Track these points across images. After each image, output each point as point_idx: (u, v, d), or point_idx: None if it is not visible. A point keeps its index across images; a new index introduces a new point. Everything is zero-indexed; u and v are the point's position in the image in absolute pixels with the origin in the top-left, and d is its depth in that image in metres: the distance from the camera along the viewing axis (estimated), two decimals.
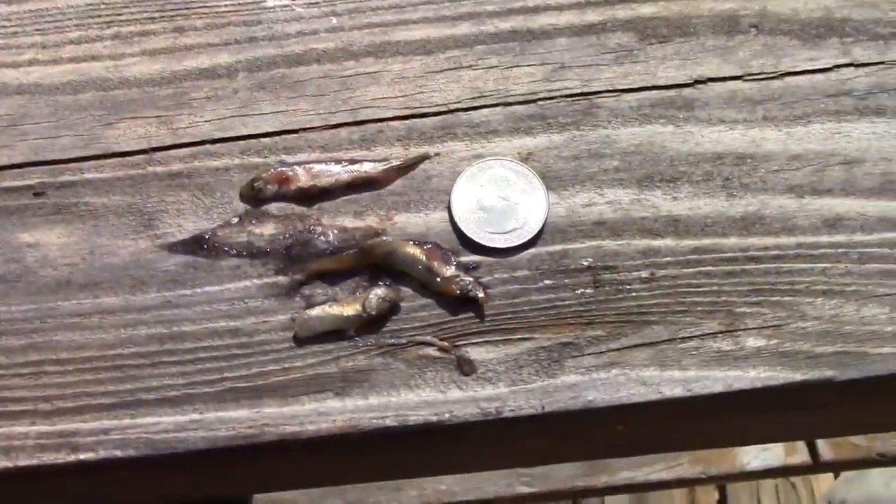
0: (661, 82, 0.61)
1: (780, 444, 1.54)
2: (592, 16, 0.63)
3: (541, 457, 0.77)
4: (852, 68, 0.62)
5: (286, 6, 0.63)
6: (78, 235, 0.57)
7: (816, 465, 1.52)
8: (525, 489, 1.51)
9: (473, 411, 0.54)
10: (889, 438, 1.49)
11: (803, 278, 0.57)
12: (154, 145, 0.59)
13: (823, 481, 2.23)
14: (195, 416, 0.54)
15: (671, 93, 0.61)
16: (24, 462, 0.54)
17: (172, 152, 0.59)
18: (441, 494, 1.51)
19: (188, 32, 0.62)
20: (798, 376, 0.55)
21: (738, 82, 0.61)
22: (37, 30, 0.62)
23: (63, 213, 0.58)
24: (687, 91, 0.61)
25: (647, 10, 0.63)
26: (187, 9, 0.63)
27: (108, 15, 0.63)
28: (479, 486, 1.50)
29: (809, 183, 0.59)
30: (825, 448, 1.50)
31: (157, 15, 0.63)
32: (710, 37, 0.62)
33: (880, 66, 0.62)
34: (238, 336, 0.56)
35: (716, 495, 2.30)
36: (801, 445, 1.53)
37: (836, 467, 1.68)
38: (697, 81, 0.61)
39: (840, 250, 0.58)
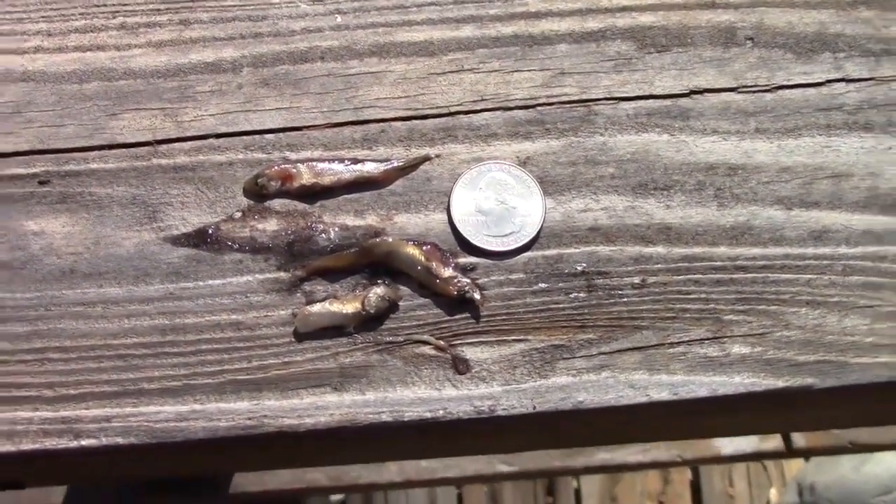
0: (658, 91, 0.62)
1: None
2: (593, 23, 0.64)
3: (526, 447, 0.79)
4: (844, 83, 0.63)
5: (292, 3, 0.64)
6: (83, 225, 0.58)
7: (789, 452, 1.56)
8: (505, 468, 1.53)
9: (467, 409, 0.56)
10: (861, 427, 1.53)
11: (789, 288, 0.59)
12: (159, 137, 0.60)
13: (794, 463, 2.28)
14: (196, 406, 0.56)
15: (667, 102, 0.62)
16: (26, 446, 0.55)
17: (177, 145, 0.60)
18: (422, 471, 1.54)
19: (194, 25, 0.63)
20: (780, 383, 0.57)
21: (733, 94, 0.63)
22: (42, 17, 0.63)
23: (68, 202, 0.59)
24: (683, 101, 0.62)
25: (646, 19, 0.64)
26: (193, 2, 0.63)
27: (114, 5, 0.63)
28: (460, 464, 1.53)
29: (798, 195, 0.61)
30: (798, 435, 1.54)
31: (162, 7, 0.63)
32: (708, 48, 0.64)
33: (871, 81, 0.64)
34: (239, 329, 0.57)
35: (689, 474, 2.35)
36: None
37: (808, 454, 1.72)
38: (693, 92, 0.63)
39: (825, 262, 0.59)
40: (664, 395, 0.57)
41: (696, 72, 0.63)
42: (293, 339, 0.57)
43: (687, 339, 0.58)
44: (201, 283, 0.58)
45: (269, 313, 0.57)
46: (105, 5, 0.63)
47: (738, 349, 0.58)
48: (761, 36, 0.64)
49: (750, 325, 0.58)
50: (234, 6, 0.63)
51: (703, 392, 0.57)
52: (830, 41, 0.64)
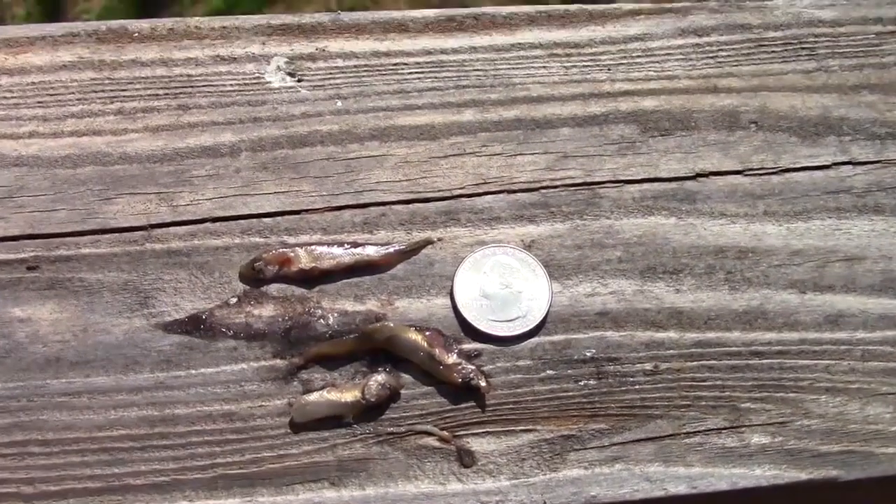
0: (664, 174, 0.62)
1: None
2: (595, 107, 0.63)
3: None
4: (850, 166, 0.63)
5: (291, 88, 0.63)
6: (71, 311, 0.56)
7: None
8: None
9: None
10: None
11: (807, 375, 0.57)
12: (153, 222, 0.58)
13: None
14: (185, 503, 0.52)
15: (673, 185, 0.61)
16: None
17: (172, 230, 0.58)
18: None
19: (192, 110, 0.62)
20: (803, 475, 0.54)
21: (739, 177, 0.62)
22: (38, 102, 0.62)
23: (57, 288, 0.57)
24: (689, 184, 0.61)
25: (648, 103, 0.64)
26: (192, 87, 0.63)
27: (111, 90, 0.62)
28: None
29: (811, 279, 0.59)
30: None
31: (161, 92, 0.62)
32: (712, 131, 0.63)
33: (877, 164, 0.63)
34: (232, 420, 0.54)
35: None
36: None
37: None
38: (699, 175, 0.62)
39: (843, 347, 0.57)
40: (682, 489, 0.54)
41: (701, 155, 0.62)
42: (289, 431, 0.54)
43: (703, 428, 0.55)
44: (193, 372, 0.55)
45: (263, 403, 0.54)
46: (103, 91, 0.62)
47: (757, 439, 0.55)
48: (765, 119, 0.64)
49: (769, 414, 0.56)
50: (234, 91, 0.63)
51: (722, 485, 0.54)
52: (835, 125, 0.64)
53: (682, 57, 0.66)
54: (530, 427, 0.55)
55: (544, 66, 0.65)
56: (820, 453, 0.55)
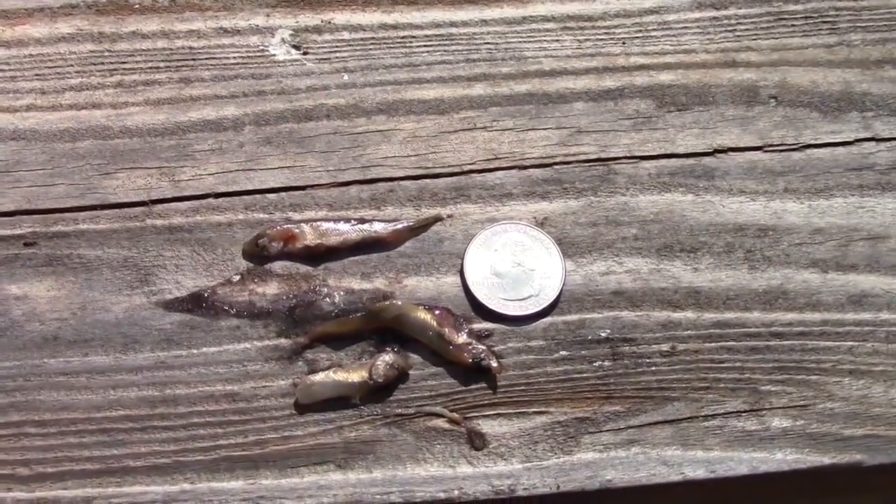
0: (681, 150, 0.60)
1: None
2: (610, 81, 0.61)
3: None
4: (874, 142, 0.61)
5: (297, 60, 0.61)
6: (69, 289, 0.54)
7: None
8: None
9: (485, 488, 0.51)
10: None
11: (829, 356, 0.55)
12: (154, 197, 0.57)
13: None
14: (186, 486, 0.50)
15: (691, 161, 0.59)
16: None
17: (173, 205, 0.56)
18: None
19: (194, 83, 0.60)
20: (826, 459, 0.52)
21: (759, 153, 0.60)
22: (37, 75, 0.60)
23: (54, 264, 0.55)
24: (707, 160, 0.59)
25: (665, 77, 0.62)
26: (194, 59, 0.61)
27: (112, 63, 0.61)
28: None
29: (833, 258, 0.57)
30: None
31: (162, 65, 0.61)
32: (730, 106, 0.61)
33: None
34: (235, 401, 0.52)
35: None
36: None
37: None
38: (717, 151, 0.60)
39: (866, 328, 0.55)
40: (700, 473, 0.52)
41: (719, 130, 0.60)
42: (294, 412, 0.52)
43: (722, 411, 0.53)
44: (195, 351, 0.53)
45: (267, 383, 0.53)
46: (102, 63, 0.60)
47: (778, 422, 0.53)
48: (785, 94, 0.62)
49: (790, 397, 0.54)
50: (237, 64, 0.61)
51: (742, 469, 0.52)
52: (857, 100, 0.62)
53: (699, 30, 0.63)
54: (543, 409, 0.53)
55: (557, 40, 0.63)
56: (843, 437, 0.53)
